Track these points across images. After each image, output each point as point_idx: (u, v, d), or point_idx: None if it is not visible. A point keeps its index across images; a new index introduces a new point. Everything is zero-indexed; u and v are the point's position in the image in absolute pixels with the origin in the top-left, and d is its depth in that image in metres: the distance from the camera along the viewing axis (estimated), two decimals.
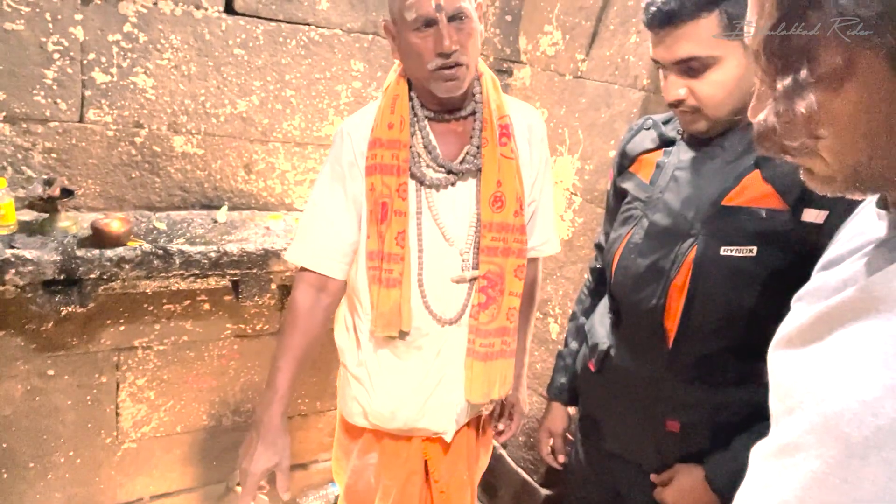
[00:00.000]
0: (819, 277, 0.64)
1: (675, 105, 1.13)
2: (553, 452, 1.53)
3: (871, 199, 0.63)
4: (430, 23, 1.15)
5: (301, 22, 2.01)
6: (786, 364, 0.62)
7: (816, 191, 0.58)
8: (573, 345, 1.50)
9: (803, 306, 0.63)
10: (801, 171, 0.59)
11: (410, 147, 1.26)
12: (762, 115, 0.57)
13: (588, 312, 1.48)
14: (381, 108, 1.28)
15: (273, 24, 1.97)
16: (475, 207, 1.30)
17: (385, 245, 1.26)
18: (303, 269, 1.34)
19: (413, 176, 1.27)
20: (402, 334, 1.30)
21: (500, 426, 1.56)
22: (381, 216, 1.25)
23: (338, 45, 2.09)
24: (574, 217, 2.11)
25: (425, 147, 1.28)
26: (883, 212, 0.58)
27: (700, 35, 1.04)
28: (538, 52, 2.27)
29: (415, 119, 1.28)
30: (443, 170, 1.28)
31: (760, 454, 0.63)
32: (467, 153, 1.29)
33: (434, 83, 1.20)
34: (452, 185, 1.29)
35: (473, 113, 1.30)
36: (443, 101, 1.27)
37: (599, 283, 1.48)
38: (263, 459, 1.27)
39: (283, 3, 1.97)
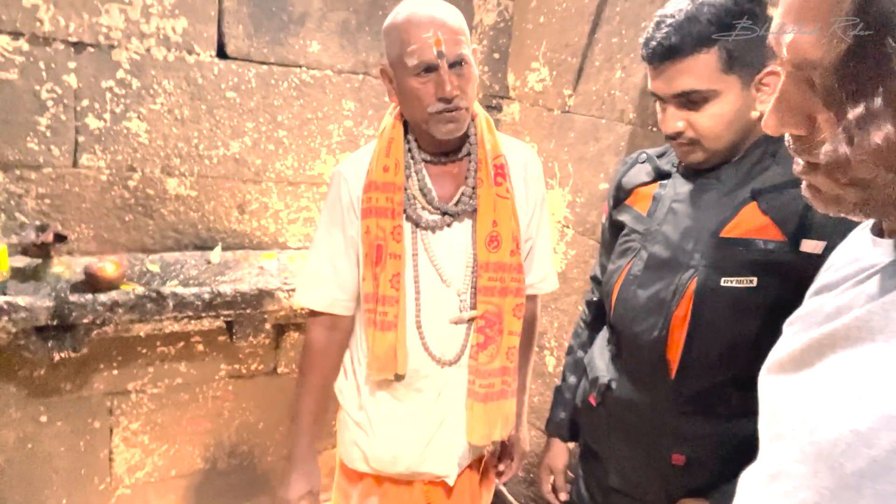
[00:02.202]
0: (812, 302, 0.64)
1: (674, 137, 1.14)
2: (554, 490, 1.51)
3: (864, 225, 0.63)
4: (430, 68, 1.17)
5: (292, 64, 2.05)
6: (777, 389, 0.61)
7: (820, 210, 0.57)
8: (571, 379, 1.48)
9: (795, 331, 0.63)
10: (808, 193, 0.57)
11: (406, 189, 1.27)
12: (829, 146, 0.52)
13: (585, 346, 1.47)
14: (376, 151, 1.30)
15: (265, 67, 2.01)
16: (471, 248, 1.30)
17: (380, 288, 1.26)
18: (312, 312, 1.37)
19: (409, 218, 1.28)
20: (399, 377, 1.30)
21: (501, 467, 1.54)
22: (375, 259, 1.26)
23: (329, 85, 2.12)
24: (567, 249, 2.12)
25: (420, 190, 1.29)
26: (878, 238, 0.58)
27: (700, 70, 1.06)
28: (526, 87, 2.31)
29: (411, 161, 1.29)
30: (438, 212, 1.29)
31: (750, 481, 0.62)
32: (462, 194, 1.30)
33: (434, 125, 1.22)
34: (448, 226, 1.30)
35: (468, 154, 1.31)
36: (440, 143, 1.28)
37: (596, 316, 1.48)
38: (298, 487, 1.37)
39: (275, 47, 2.00)
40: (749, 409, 1.10)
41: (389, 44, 1.22)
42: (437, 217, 1.29)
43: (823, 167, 0.53)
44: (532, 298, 1.48)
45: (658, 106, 1.16)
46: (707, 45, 1.05)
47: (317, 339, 1.37)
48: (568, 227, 2.11)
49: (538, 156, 1.51)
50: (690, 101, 1.09)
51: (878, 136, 0.48)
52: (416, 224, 1.28)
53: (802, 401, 0.56)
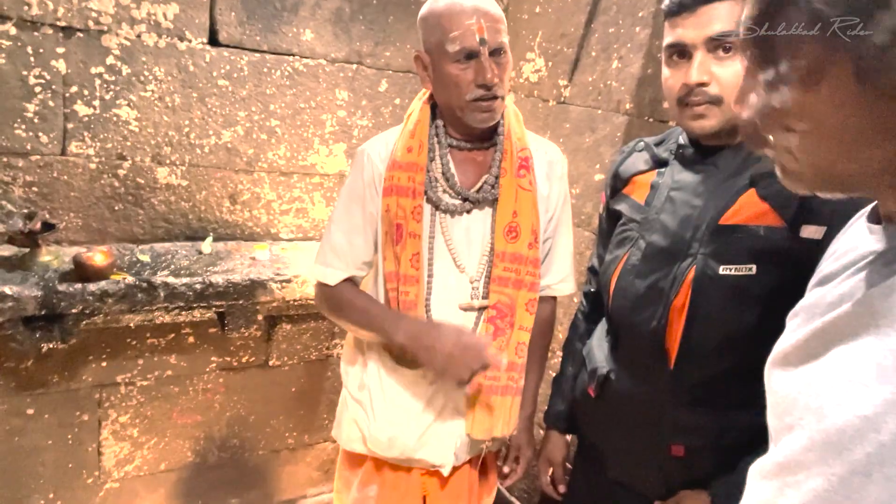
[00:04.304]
0: (814, 293, 0.64)
1: (690, 95, 1.09)
2: (553, 483, 1.50)
3: (862, 213, 0.64)
4: (471, 55, 1.18)
5: (285, 53, 2.02)
6: (783, 381, 0.61)
7: (788, 188, 0.59)
8: (570, 371, 1.47)
9: (799, 322, 0.63)
10: (776, 168, 0.60)
11: (428, 172, 1.28)
12: (746, 107, 0.58)
13: (584, 337, 1.46)
14: (402, 133, 1.31)
15: (257, 55, 1.98)
16: (489, 236, 1.30)
17: (401, 267, 1.27)
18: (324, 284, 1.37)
19: (429, 200, 1.28)
20: (410, 362, 1.29)
21: (506, 469, 1.52)
22: (396, 238, 1.27)
23: (322, 74, 2.10)
24: None
25: (444, 173, 1.29)
26: (875, 226, 0.59)
27: (736, 15, 1.02)
28: (521, 79, 2.30)
29: (437, 145, 1.30)
30: (459, 196, 1.29)
31: (759, 472, 0.62)
32: (485, 182, 1.30)
33: (470, 113, 1.23)
34: (468, 212, 1.30)
35: (494, 144, 1.32)
36: (470, 130, 1.29)
37: (594, 308, 1.47)
38: (446, 329, 1.21)
39: (268, 35, 1.98)
40: (749, 399, 1.09)
41: (427, 30, 1.23)
42: (457, 201, 1.29)
43: (740, 131, 0.59)
44: (549, 301, 1.47)
45: (670, 63, 1.12)
46: None
47: (338, 288, 1.35)
48: None
49: None
50: (723, 48, 1.06)
51: (776, 99, 0.54)
52: (436, 206, 1.28)
53: (809, 391, 0.56)
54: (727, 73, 1.07)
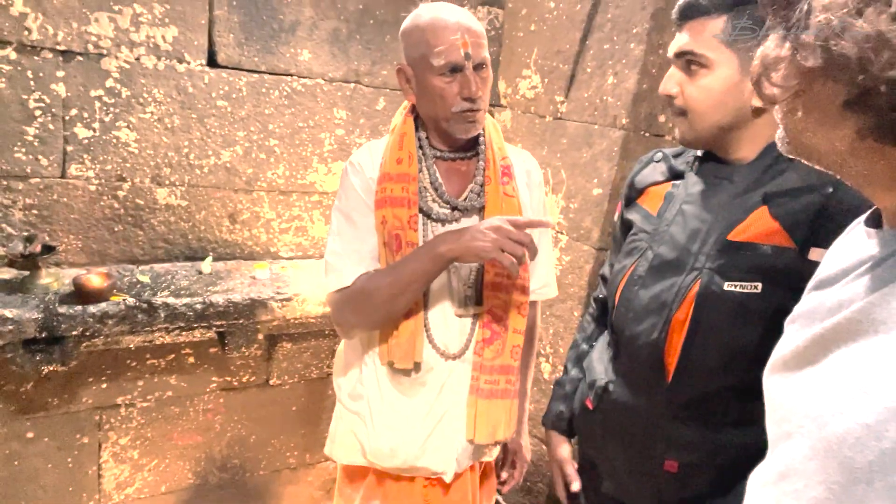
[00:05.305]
0: (812, 298, 0.64)
1: (667, 105, 1.16)
2: (565, 483, 1.45)
3: (860, 219, 0.64)
4: (456, 69, 1.22)
5: (283, 73, 2.04)
6: (782, 387, 0.61)
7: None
8: (573, 372, 1.45)
9: (797, 328, 0.63)
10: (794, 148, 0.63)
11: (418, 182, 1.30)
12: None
13: (590, 340, 1.45)
14: (389, 145, 1.32)
15: (256, 75, 2.00)
16: None
17: None
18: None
19: (420, 210, 1.30)
20: (416, 366, 1.30)
21: (504, 475, 1.52)
22: (396, 247, 1.28)
23: (320, 94, 2.12)
24: (561, 255, 2.11)
25: (431, 183, 1.32)
26: (872, 230, 0.59)
27: (703, 33, 1.07)
28: (518, 95, 2.31)
29: (422, 156, 1.32)
30: (448, 205, 1.31)
31: (759, 481, 0.62)
32: (471, 191, 1.33)
33: (455, 124, 1.26)
34: (457, 220, 1.32)
35: (476, 154, 1.35)
36: (453, 141, 1.32)
37: (603, 311, 1.46)
38: (477, 230, 1.18)
39: (266, 55, 1.99)
40: (748, 418, 1.08)
41: (411, 44, 1.25)
42: (447, 210, 1.31)
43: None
44: (532, 304, 1.48)
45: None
46: (718, 11, 1.05)
47: (352, 292, 1.28)
48: (562, 232, 2.11)
49: None
50: (688, 63, 1.09)
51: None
52: (427, 216, 1.30)
53: (809, 397, 0.56)
54: (692, 87, 1.10)
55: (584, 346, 1.46)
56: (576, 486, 1.41)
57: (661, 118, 1.89)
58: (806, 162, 0.61)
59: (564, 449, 1.45)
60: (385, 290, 1.25)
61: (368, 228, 1.31)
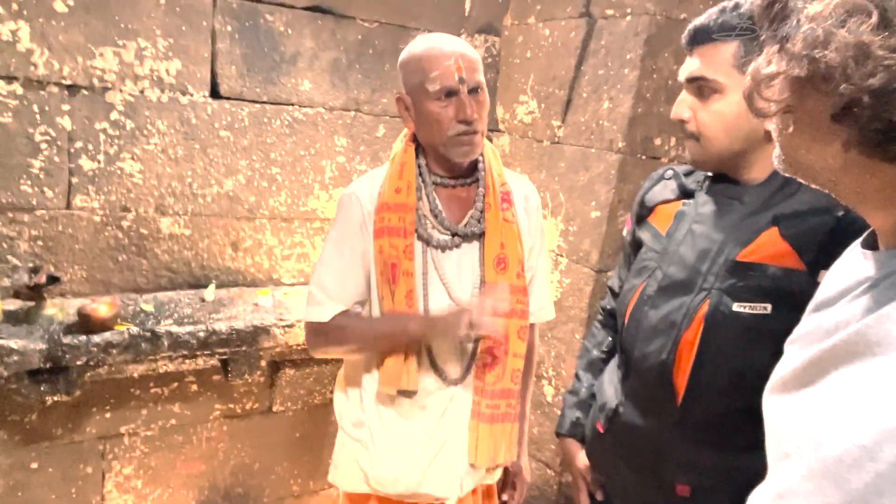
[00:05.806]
0: (811, 320, 0.64)
1: (681, 127, 1.16)
2: (588, 489, 1.40)
3: (858, 241, 0.65)
4: (451, 93, 1.25)
5: (285, 102, 2.07)
6: (781, 408, 0.61)
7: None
8: (585, 378, 1.43)
9: (797, 350, 0.63)
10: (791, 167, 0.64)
11: (417, 210, 1.32)
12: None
13: (600, 346, 1.44)
14: (388, 175, 1.35)
15: (258, 105, 2.03)
16: (479, 269, 1.34)
17: (395, 305, 1.30)
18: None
19: (420, 237, 1.32)
20: (410, 393, 1.31)
21: (505, 497, 1.52)
22: (392, 277, 1.29)
23: (321, 122, 2.15)
24: (561, 278, 2.12)
25: (431, 211, 1.34)
26: (868, 252, 0.60)
27: (715, 58, 1.07)
28: (515, 120, 2.35)
29: (422, 184, 1.34)
30: (448, 232, 1.33)
31: (757, 502, 0.62)
32: (471, 217, 1.35)
33: (452, 148, 1.29)
34: (458, 247, 1.34)
35: (476, 180, 1.37)
36: (452, 167, 1.34)
37: (610, 318, 1.44)
38: (451, 315, 1.25)
39: (267, 86, 2.03)
40: (760, 442, 1.07)
41: (408, 73, 1.29)
42: (447, 237, 1.33)
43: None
44: (531, 327, 1.49)
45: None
46: (729, 36, 1.04)
47: (328, 327, 1.35)
48: (562, 255, 2.12)
49: None
50: (699, 88, 1.09)
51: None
52: (427, 242, 1.32)
53: (807, 418, 0.56)
54: (703, 112, 1.11)
55: (595, 353, 1.44)
56: (598, 496, 1.38)
57: (657, 141, 1.92)
58: (803, 181, 0.62)
59: (583, 456, 1.42)
60: (354, 341, 1.34)
61: (356, 261, 1.34)
